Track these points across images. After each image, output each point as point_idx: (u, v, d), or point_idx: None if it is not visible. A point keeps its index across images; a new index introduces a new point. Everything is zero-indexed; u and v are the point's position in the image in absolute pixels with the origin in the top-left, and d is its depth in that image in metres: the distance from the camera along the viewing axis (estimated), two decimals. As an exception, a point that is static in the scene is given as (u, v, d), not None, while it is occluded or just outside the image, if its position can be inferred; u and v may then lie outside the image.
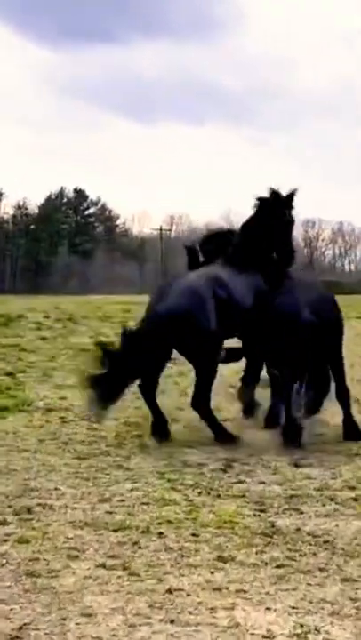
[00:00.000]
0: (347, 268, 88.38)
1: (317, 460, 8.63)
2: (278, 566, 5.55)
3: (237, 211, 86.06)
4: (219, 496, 7.22)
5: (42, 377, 13.86)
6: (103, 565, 5.51)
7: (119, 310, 27.64)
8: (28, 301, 32.98)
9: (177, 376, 13.93)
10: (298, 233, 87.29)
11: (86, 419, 10.47)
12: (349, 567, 5.58)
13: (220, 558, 5.66)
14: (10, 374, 13.90)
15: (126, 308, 28.11)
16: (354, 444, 9.47)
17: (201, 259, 10.73)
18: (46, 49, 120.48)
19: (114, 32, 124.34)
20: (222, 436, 9.50)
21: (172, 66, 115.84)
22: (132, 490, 7.35)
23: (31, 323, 21.74)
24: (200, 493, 7.27)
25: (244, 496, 7.22)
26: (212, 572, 5.43)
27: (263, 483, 7.70)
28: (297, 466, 8.40)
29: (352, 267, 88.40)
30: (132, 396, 12.03)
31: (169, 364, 13.25)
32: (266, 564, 5.60)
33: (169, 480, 7.67)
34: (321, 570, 5.52)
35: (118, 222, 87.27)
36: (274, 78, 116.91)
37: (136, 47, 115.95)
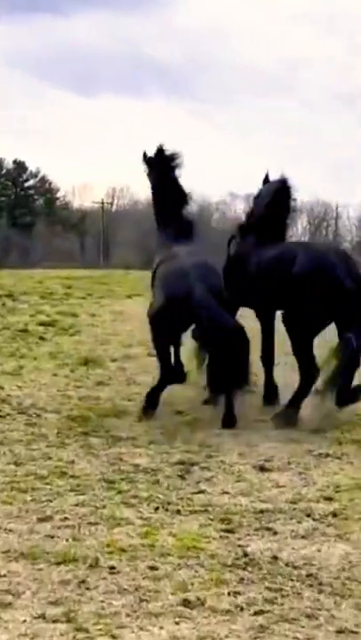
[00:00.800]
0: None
1: (284, 463, 7.64)
2: (257, 612, 4.54)
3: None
4: (178, 512, 6.18)
5: None
6: (43, 616, 4.44)
7: (60, 286, 26.42)
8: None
9: (124, 360, 12.89)
10: (240, 207, 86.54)
11: (24, 412, 9.39)
12: (342, 612, 4.59)
13: (185, 602, 4.62)
14: None
15: (68, 284, 26.92)
16: (323, 439, 8.50)
17: None
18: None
19: (55, 3, 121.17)
20: None
21: (111, 38, 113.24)
22: (76, 505, 6.27)
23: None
24: (156, 509, 6.22)
25: (206, 511, 6.20)
26: (177, 623, 4.40)
27: (227, 493, 6.68)
28: (263, 470, 7.40)
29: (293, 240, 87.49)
30: (74, 384, 11.00)
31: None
32: (242, 609, 4.58)
33: (120, 492, 6.61)
34: (309, 617, 4.53)
35: (59, 195, 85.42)
36: (212, 50, 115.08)
37: (76, 18, 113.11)
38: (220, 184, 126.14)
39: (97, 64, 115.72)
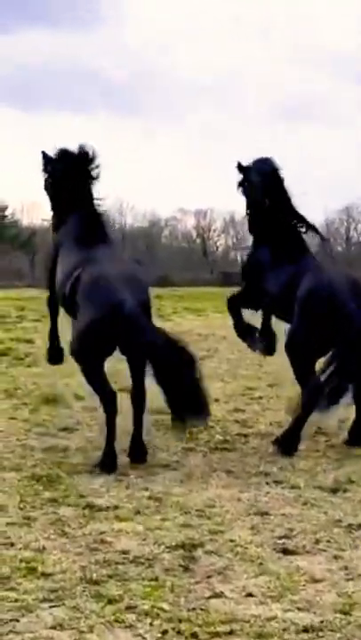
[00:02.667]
0: (239, 259, 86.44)
1: (310, 540, 5.95)
2: None
3: (130, 202, 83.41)
4: (195, 636, 4.45)
5: None
6: None
7: (12, 308, 24.56)
8: None
9: (90, 398, 11.11)
10: (189, 222, 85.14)
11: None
12: None
13: None
14: None
15: (20, 305, 25.09)
16: (347, 502, 6.84)
17: None
18: None
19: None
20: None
21: (54, 54, 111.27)
22: (54, 627, 4.52)
23: None
24: (164, 633, 4.48)
25: (232, 633, 4.48)
26: None
27: (252, 596, 4.97)
28: (286, 552, 5.72)
29: (244, 257, 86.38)
30: (36, 430, 9.23)
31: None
32: None
33: (109, 601, 4.84)
34: None
35: (7, 213, 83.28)
36: (157, 68, 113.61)
37: (18, 35, 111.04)
38: (169, 200, 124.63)
39: (39, 81, 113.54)
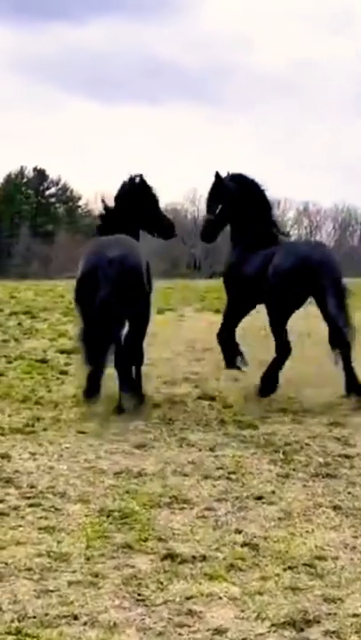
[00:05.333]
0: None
1: None
2: None
3: (202, 191, 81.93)
4: None
5: None
6: None
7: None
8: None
9: (168, 406, 9.78)
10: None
11: (38, 502, 6.34)
12: None
13: None
14: None
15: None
16: None
17: None
18: (3, 26, 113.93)
19: (69, 10, 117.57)
20: None
21: (129, 44, 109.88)
22: None
23: (-22, 320, 17.35)
24: None
25: None
26: None
27: None
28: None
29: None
30: (107, 448, 7.95)
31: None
32: None
33: None
34: None
35: (80, 203, 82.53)
36: (231, 56, 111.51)
37: (92, 25, 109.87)
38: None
39: (114, 71, 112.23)
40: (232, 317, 10.76)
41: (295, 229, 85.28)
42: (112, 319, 9.15)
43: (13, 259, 71.73)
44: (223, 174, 10.72)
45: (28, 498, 6.45)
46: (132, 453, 7.76)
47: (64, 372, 11.61)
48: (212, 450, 7.93)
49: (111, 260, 9.22)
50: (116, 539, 5.65)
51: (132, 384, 9.68)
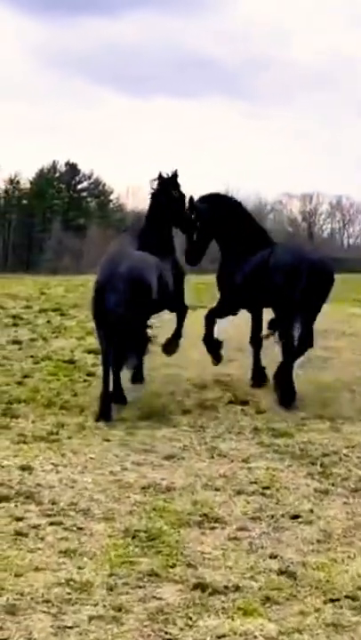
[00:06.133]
0: (345, 242, 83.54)
1: None
2: None
3: (236, 185, 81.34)
4: None
5: None
6: None
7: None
8: (12, 284, 28.08)
9: (197, 411, 9.33)
10: (295, 206, 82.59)
11: (59, 520, 5.91)
12: None
13: None
14: None
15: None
16: None
17: None
18: (35, 21, 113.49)
19: (102, 4, 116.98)
20: None
21: (162, 38, 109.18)
22: None
23: (7, 317, 16.91)
24: None
25: None
26: None
27: None
28: None
29: (350, 241, 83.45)
30: (133, 459, 7.51)
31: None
32: None
33: None
34: None
35: (112, 197, 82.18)
36: (267, 50, 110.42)
37: (126, 19, 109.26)
38: (275, 184, 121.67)
39: (148, 65, 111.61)
40: (218, 314, 10.83)
41: (328, 223, 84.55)
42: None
43: (45, 253, 71.54)
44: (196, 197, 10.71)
45: (49, 515, 6.02)
46: (161, 465, 7.31)
47: (91, 374, 11.16)
48: (245, 461, 7.47)
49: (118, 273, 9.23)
50: (141, 564, 5.20)
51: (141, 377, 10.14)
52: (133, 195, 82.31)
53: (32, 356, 12.47)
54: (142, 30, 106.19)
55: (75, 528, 5.80)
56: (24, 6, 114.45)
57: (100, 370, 11.41)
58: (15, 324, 15.95)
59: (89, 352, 12.90)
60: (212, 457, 7.59)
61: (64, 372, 11.27)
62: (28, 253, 76.99)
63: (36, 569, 5.11)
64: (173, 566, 5.20)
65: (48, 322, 16.48)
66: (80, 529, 5.80)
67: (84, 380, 10.85)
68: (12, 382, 10.52)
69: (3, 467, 7.04)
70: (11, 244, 78.78)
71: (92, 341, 14.01)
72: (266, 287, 10.07)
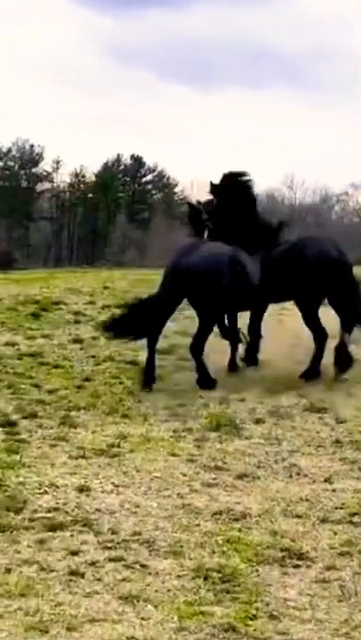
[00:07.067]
0: None
1: None
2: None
3: (300, 177, 79.93)
4: None
5: (53, 438, 7.66)
6: None
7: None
8: (75, 278, 27.46)
9: (271, 419, 8.48)
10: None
11: (119, 555, 5.13)
12: None
13: None
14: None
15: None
16: None
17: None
18: (102, 14, 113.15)
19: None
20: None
21: (227, 30, 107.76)
22: None
23: (69, 313, 16.24)
24: None
25: None
26: None
27: None
28: None
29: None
30: (202, 478, 6.70)
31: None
32: None
33: None
34: None
35: (176, 190, 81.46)
36: (332, 40, 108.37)
37: (190, 11, 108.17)
38: (341, 175, 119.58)
39: (213, 57, 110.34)
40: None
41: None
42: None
43: (110, 246, 71.14)
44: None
45: (109, 548, 5.25)
46: (233, 486, 6.48)
47: (156, 377, 10.39)
48: (327, 481, 6.61)
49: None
50: (214, 615, 4.40)
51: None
52: (198, 187, 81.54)
53: (93, 357, 11.75)
54: (210, 22, 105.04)
55: (138, 566, 5.02)
56: (96, 1, 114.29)
57: (164, 372, 10.73)
58: (77, 321, 15.29)
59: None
60: (291, 476, 6.74)
61: (127, 375, 10.51)
62: (92, 247, 76.72)
63: (93, 620, 4.34)
64: (253, 618, 4.40)
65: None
66: (144, 566, 5.02)
67: (149, 384, 10.07)
68: (72, 386, 9.78)
69: (58, 487, 6.29)
70: (76, 238, 78.64)
71: (157, 340, 13.26)
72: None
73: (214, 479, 6.60)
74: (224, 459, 7.12)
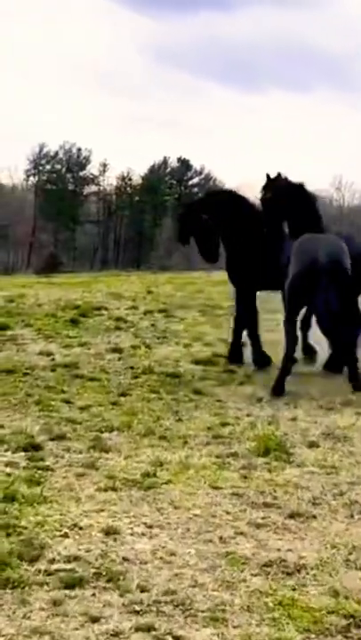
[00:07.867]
0: None
1: None
2: None
3: (347, 178, 78.40)
4: None
5: (81, 465, 6.74)
6: None
7: (224, 295, 21.20)
8: (119, 282, 26.64)
9: (331, 443, 7.52)
10: None
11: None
12: None
13: None
14: (29, 454, 6.96)
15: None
16: None
17: None
18: (146, 16, 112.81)
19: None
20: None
21: (273, 31, 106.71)
22: None
23: (109, 319, 15.40)
24: None
25: None
26: None
27: None
28: None
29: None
30: (255, 518, 5.75)
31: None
32: None
33: None
34: None
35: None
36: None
37: (236, 13, 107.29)
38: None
39: (259, 59, 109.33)
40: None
41: None
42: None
43: (156, 250, 70.36)
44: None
45: (137, 612, 4.33)
46: (285, 528, 5.52)
47: (198, 392, 9.46)
48: None
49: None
50: None
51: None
52: (244, 190, 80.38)
53: (132, 368, 10.85)
54: (256, 24, 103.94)
55: (170, 638, 4.10)
56: (136, 2, 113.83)
57: (207, 386, 9.82)
58: (118, 328, 14.45)
59: (197, 362, 11.25)
60: (352, 515, 5.76)
61: (167, 389, 9.59)
62: (138, 250, 76.05)
63: None
64: None
65: (152, 325, 14.92)
66: (177, 639, 4.09)
67: (190, 400, 9.14)
68: (107, 402, 8.88)
69: (82, 529, 5.38)
70: (122, 241, 78.03)
71: (200, 349, 12.39)
72: None
73: (263, 519, 5.64)
74: (274, 492, 6.16)
